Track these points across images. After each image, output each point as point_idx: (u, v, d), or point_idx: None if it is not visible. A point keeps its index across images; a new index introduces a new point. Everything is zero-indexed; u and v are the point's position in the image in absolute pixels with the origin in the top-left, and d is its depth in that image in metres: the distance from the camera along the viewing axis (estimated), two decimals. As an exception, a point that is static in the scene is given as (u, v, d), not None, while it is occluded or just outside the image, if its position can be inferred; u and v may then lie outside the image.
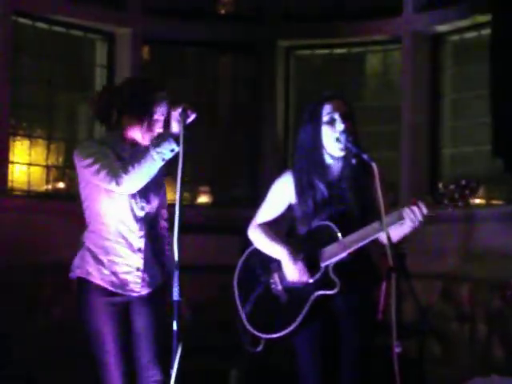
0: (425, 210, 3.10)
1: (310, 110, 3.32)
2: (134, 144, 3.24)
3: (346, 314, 3.26)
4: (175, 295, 2.89)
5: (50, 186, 6.50)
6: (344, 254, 3.18)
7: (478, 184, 3.12)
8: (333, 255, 3.20)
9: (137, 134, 3.23)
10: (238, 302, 3.39)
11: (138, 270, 3.25)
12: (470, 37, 6.35)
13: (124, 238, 3.24)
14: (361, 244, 3.16)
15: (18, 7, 6.11)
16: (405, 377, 2.90)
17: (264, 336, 3.30)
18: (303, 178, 3.31)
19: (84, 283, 3.26)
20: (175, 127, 3.01)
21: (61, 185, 6.56)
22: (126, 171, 3.05)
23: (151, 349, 3.26)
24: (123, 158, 3.17)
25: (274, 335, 3.26)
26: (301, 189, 3.31)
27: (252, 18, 6.95)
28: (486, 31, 5.91)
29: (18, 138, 6.30)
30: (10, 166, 6.17)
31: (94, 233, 3.27)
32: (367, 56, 6.97)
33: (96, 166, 3.11)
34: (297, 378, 3.30)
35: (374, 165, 3.06)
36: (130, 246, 3.24)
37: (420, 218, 3.09)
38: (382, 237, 3.10)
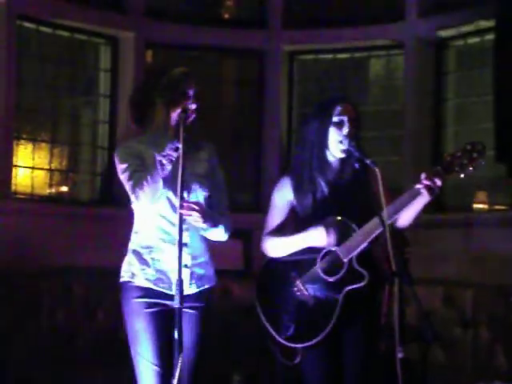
0: (439, 183, 3.12)
1: (322, 107, 3.33)
2: (174, 129, 3.16)
3: (349, 321, 3.25)
4: (176, 302, 2.88)
5: (53, 190, 6.50)
6: (365, 244, 3.18)
7: (484, 146, 3.13)
8: (353, 248, 3.19)
9: (172, 116, 3.19)
10: (263, 318, 3.33)
11: (185, 266, 3.10)
12: (473, 42, 6.35)
13: (166, 232, 3.16)
14: (377, 232, 3.15)
15: (22, 11, 6.12)
16: (407, 381, 2.90)
17: (301, 345, 3.23)
18: (304, 173, 3.32)
19: (128, 286, 3.18)
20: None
21: (64, 188, 6.56)
22: (141, 187, 3.06)
23: (185, 368, 3.09)
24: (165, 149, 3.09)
25: (313, 341, 3.20)
26: (301, 183, 3.31)
27: (255, 22, 6.96)
28: (490, 36, 5.91)
29: (22, 141, 6.30)
30: (14, 169, 6.18)
31: (138, 233, 3.22)
32: (370, 61, 6.97)
33: (127, 174, 3.13)
34: (299, 382, 3.29)
35: (377, 169, 3.06)
36: (175, 240, 3.07)
37: (437, 190, 3.11)
38: (400, 222, 3.16)
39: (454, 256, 5.93)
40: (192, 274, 3.17)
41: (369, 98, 6.93)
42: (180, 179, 2.94)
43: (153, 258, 3.16)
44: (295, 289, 3.28)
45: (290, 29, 6.89)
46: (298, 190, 3.32)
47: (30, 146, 6.35)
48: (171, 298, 3.03)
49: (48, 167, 6.42)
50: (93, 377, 5.46)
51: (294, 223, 3.42)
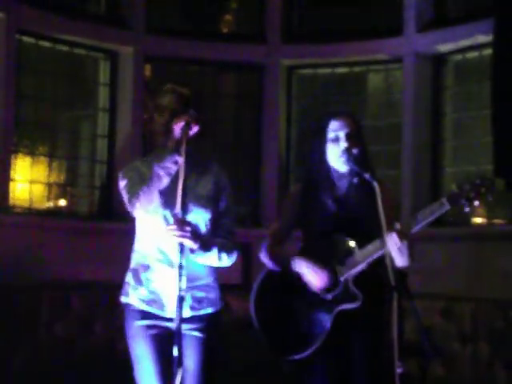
0: (398, 241, 3.07)
1: (317, 126, 3.35)
2: (175, 142, 3.09)
3: (356, 333, 3.24)
4: (176, 321, 2.85)
5: (51, 204, 6.49)
6: (364, 265, 3.17)
7: (493, 181, 3.12)
8: (351, 268, 3.18)
9: (175, 129, 3.09)
10: (258, 327, 3.32)
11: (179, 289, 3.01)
12: (471, 56, 6.37)
13: (162, 253, 3.11)
14: (376, 255, 3.15)
15: (22, 26, 6.14)
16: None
17: (288, 358, 3.23)
18: (310, 193, 3.32)
19: (128, 308, 3.16)
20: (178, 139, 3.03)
21: (62, 202, 6.56)
22: (137, 196, 3.04)
23: None
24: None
25: (298, 356, 3.20)
26: (308, 203, 3.31)
27: (254, 36, 6.98)
28: (488, 51, 5.93)
29: (20, 155, 6.30)
30: (12, 183, 6.17)
31: (137, 252, 3.20)
32: (369, 75, 6.99)
33: (125, 189, 3.12)
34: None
35: (375, 184, 3.06)
36: (170, 262, 3.08)
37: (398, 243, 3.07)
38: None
39: (453, 270, 5.92)
40: (185, 298, 3.01)
41: (367, 113, 6.94)
42: (179, 193, 2.92)
43: (147, 278, 3.13)
44: (291, 301, 3.26)
45: (289, 43, 6.91)
46: (305, 209, 3.32)
47: (28, 160, 6.35)
48: (169, 320, 3.03)
49: (46, 181, 6.42)
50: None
51: (301, 234, 3.42)
